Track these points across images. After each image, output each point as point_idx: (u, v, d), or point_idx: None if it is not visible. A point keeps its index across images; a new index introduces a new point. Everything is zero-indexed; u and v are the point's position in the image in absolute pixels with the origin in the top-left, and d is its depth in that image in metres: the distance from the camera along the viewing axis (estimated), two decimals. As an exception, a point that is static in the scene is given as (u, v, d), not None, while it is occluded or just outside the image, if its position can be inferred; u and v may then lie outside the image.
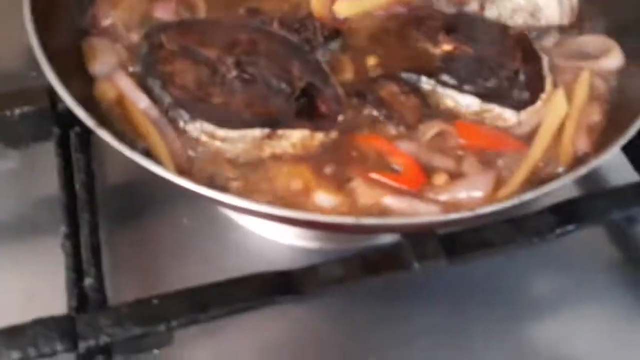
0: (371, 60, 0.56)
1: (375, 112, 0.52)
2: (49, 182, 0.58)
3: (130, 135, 0.51)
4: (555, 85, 0.54)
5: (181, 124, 0.50)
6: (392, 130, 0.51)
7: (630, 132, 0.48)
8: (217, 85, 0.51)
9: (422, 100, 0.52)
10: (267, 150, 0.49)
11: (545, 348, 0.54)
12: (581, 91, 0.53)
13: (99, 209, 0.55)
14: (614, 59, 0.58)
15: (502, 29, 0.57)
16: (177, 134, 0.50)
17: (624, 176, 0.58)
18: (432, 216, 0.44)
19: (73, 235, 0.52)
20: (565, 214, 0.50)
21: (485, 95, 0.52)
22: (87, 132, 0.57)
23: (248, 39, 0.54)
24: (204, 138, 0.49)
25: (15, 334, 0.45)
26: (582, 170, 0.45)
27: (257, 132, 0.48)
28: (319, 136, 0.50)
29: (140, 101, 0.51)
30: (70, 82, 0.49)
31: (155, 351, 0.50)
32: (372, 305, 0.55)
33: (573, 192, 0.56)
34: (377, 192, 0.46)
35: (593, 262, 0.60)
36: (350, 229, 0.46)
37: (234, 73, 0.51)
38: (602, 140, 0.52)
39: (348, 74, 0.55)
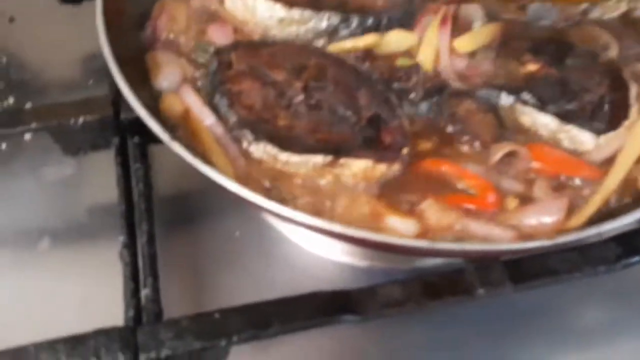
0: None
1: (450, 128, 0.51)
2: (104, 191, 0.58)
3: (193, 149, 0.51)
4: (640, 114, 0.53)
5: (245, 144, 0.50)
6: (463, 148, 0.51)
7: None
8: (282, 108, 0.51)
9: (497, 120, 0.52)
10: (328, 177, 0.49)
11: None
12: None
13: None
14: None
15: (593, 55, 0.57)
16: (240, 152, 0.50)
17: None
18: (509, 244, 0.43)
19: (131, 245, 0.52)
20: (632, 244, 0.49)
21: (564, 116, 0.51)
22: (145, 142, 0.57)
23: (317, 64, 0.54)
24: (266, 159, 0.49)
25: (77, 344, 0.45)
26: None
27: (319, 159, 0.48)
28: (381, 168, 0.49)
29: (206, 118, 0.51)
30: (135, 94, 0.50)
31: (210, 365, 0.50)
32: (427, 328, 0.54)
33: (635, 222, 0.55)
34: (449, 215, 0.46)
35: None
36: (425, 252, 0.45)
37: (300, 97, 0.51)
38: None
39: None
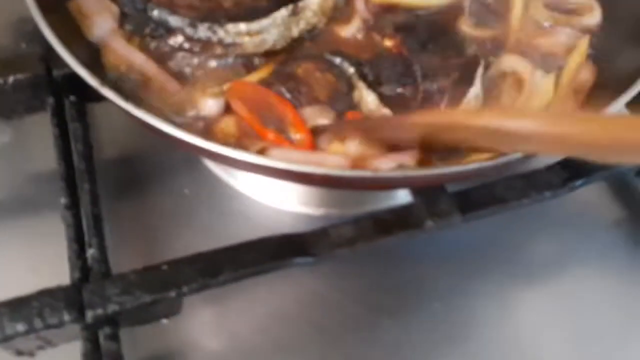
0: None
1: (282, 88, 0.52)
2: (44, 156, 0.56)
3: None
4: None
5: (214, 37, 0.51)
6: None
7: (636, 89, 0.47)
8: None
9: (338, 80, 0.52)
10: (295, 30, 0.53)
11: (551, 306, 0.54)
12: (574, 61, 0.53)
13: (98, 180, 0.53)
14: (595, 18, 0.57)
15: (459, 47, 0.55)
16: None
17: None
18: (452, 167, 0.42)
19: (73, 206, 0.50)
20: (576, 168, 0.50)
21: (392, 99, 0.50)
22: (83, 101, 0.55)
23: None
24: (239, 40, 0.51)
25: (20, 305, 0.43)
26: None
27: (284, 12, 0.52)
28: None
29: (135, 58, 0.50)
30: (70, 48, 0.47)
31: (164, 321, 0.49)
32: (381, 268, 0.54)
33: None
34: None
35: (597, 219, 0.60)
36: (366, 183, 0.44)
37: None
38: (589, 99, 0.51)
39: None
